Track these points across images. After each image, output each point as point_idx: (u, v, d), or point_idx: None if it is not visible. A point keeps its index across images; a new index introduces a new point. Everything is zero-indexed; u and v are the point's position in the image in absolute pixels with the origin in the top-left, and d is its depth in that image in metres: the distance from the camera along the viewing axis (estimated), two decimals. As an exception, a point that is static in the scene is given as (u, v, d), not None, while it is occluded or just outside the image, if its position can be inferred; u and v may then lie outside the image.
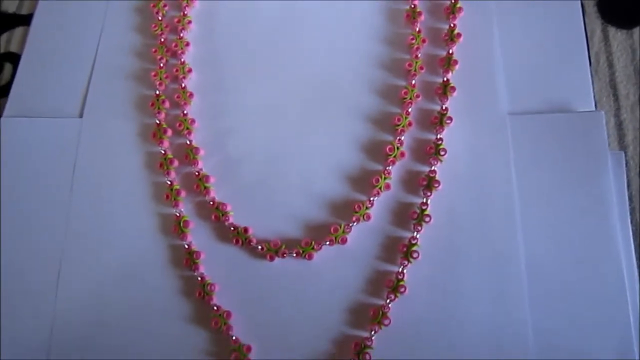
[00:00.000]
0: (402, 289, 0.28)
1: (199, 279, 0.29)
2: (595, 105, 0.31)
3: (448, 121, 0.30)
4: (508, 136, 0.30)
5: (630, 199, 0.30)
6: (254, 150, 0.31)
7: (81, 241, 0.30)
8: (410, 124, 0.30)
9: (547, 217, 0.29)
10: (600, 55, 0.33)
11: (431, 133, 0.30)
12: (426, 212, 0.29)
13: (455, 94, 0.31)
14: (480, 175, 0.29)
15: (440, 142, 0.30)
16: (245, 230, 0.29)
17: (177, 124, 0.32)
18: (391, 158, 0.30)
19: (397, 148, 0.30)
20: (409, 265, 0.28)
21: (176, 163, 0.31)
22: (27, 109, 0.34)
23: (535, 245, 0.28)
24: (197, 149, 0.31)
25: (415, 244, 0.28)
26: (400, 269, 0.28)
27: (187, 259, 0.29)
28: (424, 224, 0.29)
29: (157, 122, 0.32)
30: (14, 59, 0.36)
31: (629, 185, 0.30)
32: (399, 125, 0.30)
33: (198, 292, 0.29)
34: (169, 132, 0.32)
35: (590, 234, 0.29)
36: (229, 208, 0.30)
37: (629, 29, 0.33)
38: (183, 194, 0.31)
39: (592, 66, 0.32)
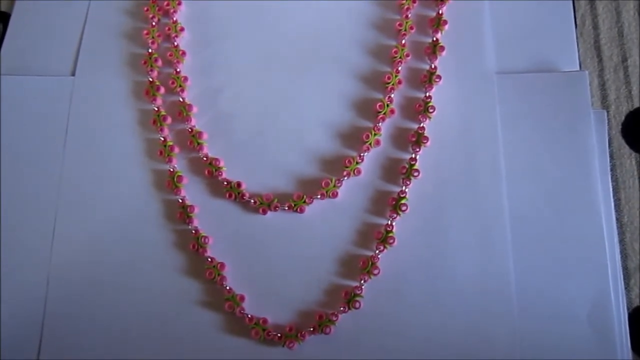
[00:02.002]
0: (391, 241, 0.28)
1: (193, 232, 0.29)
2: (580, 66, 0.31)
3: (437, 80, 0.30)
4: (495, 94, 0.30)
5: (611, 156, 0.31)
6: (247, 107, 0.31)
7: (75, 197, 0.31)
8: (400, 82, 0.31)
9: (531, 172, 0.29)
10: (585, 18, 0.33)
11: (420, 91, 0.31)
12: (415, 167, 0.29)
13: (444, 53, 0.31)
14: (468, 132, 0.30)
15: (429, 99, 0.30)
16: (238, 184, 0.30)
17: (170, 82, 0.32)
18: (381, 115, 0.30)
19: (387, 105, 0.30)
20: (398, 218, 0.29)
21: (169, 120, 0.31)
22: (19, 68, 0.33)
23: (520, 200, 0.29)
24: (190, 105, 0.31)
25: (404, 197, 0.29)
26: (389, 222, 0.29)
27: (180, 213, 0.30)
28: (412, 178, 0.29)
29: (150, 79, 0.32)
30: (4, 17, 0.35)
31: (610, 143, 0.31)
32: (389, 83, 0.30)
33: (192, 245, 0.29)
34: (162, 90, 0.32)
35: (572, 189, 0.29)
36: (221, 163, 0.30)
37: (614, -9, 0.34)
38: (176, 150, 0.31)
39: (578, 28, 0.33)
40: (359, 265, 0.29)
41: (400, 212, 0.29)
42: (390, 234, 0.28)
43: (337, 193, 0.29)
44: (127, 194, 0.30)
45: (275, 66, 0.32)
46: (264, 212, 0.29)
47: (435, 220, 0.29)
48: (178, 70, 0.32)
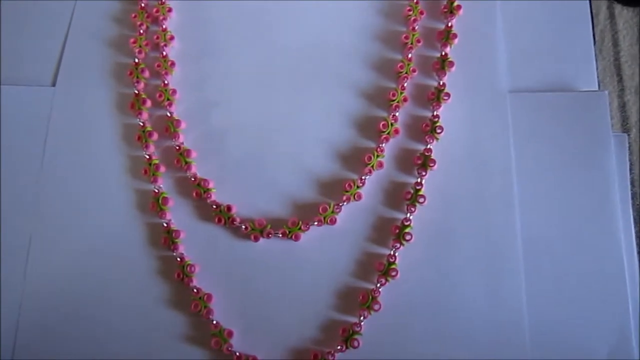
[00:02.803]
0: (394, 273, 0.26)
1: (178, 259, 0.27)
2: (599, 85, 0.29)
3: (445, 98, 0.28)
4: (508, 115, 0.28)
5: (632, 183, 0.29)
6: (240, 124, 0.29)
7: (52, 218, 0.29)
8: (405, 100, 0.29)
9: (546, 200, 0.27)
10: (605, 34, 0.31)
11: (427, 110, 0.29)
12: (420, 193, 0.27)
13: (453, 69, 0.29)
14: (478, 155, 0.28)
15: (436, 119, 0.28)
16: (228, 208, 0.28)
17: (157, 95, 0.30)
18: (385, 135, 0.28)
19: (391, 125, 0.28)
20: (401, 248, 0.27)
21: (155, 136, 0.29)
22: (-3, 76, 0.31)
23: (534, 229, 0.27)
24: (178, 121, 0.29)
25: (409, 225, 0.27)
26: (392, 252, 0.27)
27: (165, 238, 0.28)
28: (417, 204, 0.27)
29: (136, 92, 0.30)
30: (-17, 22, 0.33)
31: (631, 169, 0.29)
32: (393, 100, 0.29)
33: (177, 274, 0.27)
34: (148, 103, 0.30)
35: (591, 219, 0.27)
36: (211, 185, 0.28)
37: (635, 6, 0.32)
38: (162, 169, 0.29)
39: (597, 44, 0.31)
40: (358, 300, 0.27)
41: (404, 242, 0.27)
42: (393, 266, 0.26)
43: (335, 219, 0.27)
44: (107, 216, 0.28)
45: (271, 80, 0.30)
46: (256, 239, 0.27)
47: (442, 251, 0.27)
48: (166, 82, 0.30)
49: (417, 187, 0.27)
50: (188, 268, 0.27)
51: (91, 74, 0.31)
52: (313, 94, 0.29)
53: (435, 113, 0.28)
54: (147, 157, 0.29)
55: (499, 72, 0.29)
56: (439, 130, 0.28)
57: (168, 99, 0.29)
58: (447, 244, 0.27)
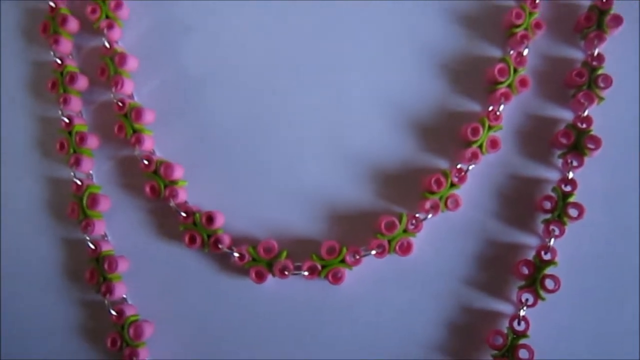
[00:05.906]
0: (525, 355, 0.17)
1: (115, 313, 0.18)
2: None
3: (612, 25, 0.18)
4: None
5: None
6: (231, 65, 0.19)
7: None
8: (538, 26, 0.18)
9: None
10: None
11: (574, 46, 0.18)
12: (571, 199, 0.17)
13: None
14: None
15: (597, 63, 0.18)
16: (209, 218, 0.18)
17: (89, 10, 0.20)
18: (502, 89, 0.17)
19: (514, 70, 0.17)
20: (538, 303, 0.17)
21: (83, 82, 0.19)
22: None
23: None
24: (123, 56, 0.18)
25: (551, 262, 0.17)
26: (520, 312, 0.17)
27: (93, 272, 0.18)
28: (567, 220, 0.17)
29: (52, 4, 0.20)
30: None
31: None
32: (518, 26, 0.18)
33: (111, 339, 0.18)
34: (73, 25, 0.19)
35: None
36: (178, 174, 0.18)
37: None
38: (93, 142, 0.19)
39: None
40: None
41: (543, 293, 0.17)
42: (522, 339, 0.16)
43: (410, 246, 0.18)
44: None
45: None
46: (260, 279, 0.18)
47: (614, 310, 0.17)
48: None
49: (565, 189, 0.18)
50: (131, 330, 0.17)
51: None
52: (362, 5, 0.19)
53: (594, 52, 0.18)
54: (66, 120, 0.19)
55: None
56: (602, 84, 0.18)
57: (107, 17, 0.19)
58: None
